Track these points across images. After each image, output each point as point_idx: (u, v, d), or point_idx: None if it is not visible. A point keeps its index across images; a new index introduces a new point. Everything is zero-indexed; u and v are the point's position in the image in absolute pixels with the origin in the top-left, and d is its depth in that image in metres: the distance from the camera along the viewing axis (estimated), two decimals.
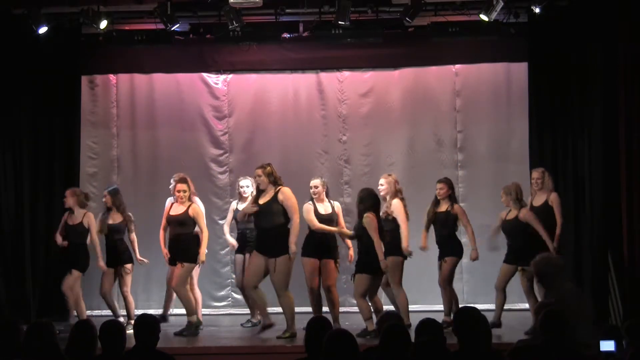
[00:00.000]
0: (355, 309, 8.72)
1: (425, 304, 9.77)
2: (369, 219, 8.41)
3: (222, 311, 10.57)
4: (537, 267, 6.78)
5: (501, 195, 8.93)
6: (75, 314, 9.07)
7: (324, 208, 8.85)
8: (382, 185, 9.00)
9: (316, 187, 8.84)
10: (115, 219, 9.22)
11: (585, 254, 9.40)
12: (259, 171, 8.49)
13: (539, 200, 8.95)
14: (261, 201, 8.48)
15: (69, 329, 5.27)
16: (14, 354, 5.01)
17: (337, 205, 9.01)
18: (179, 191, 8.80)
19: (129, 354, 4.91)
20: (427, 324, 5.15)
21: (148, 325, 5.03)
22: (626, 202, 8.40)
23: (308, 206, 8.78)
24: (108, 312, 9.69)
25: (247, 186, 9.31)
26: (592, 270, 8.93)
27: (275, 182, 8.47)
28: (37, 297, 9.78)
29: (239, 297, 10.32)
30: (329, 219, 8.82)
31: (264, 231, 8.45)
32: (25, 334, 5.21)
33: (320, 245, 8.73)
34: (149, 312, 5.92)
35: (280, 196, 8.41)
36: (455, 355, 4.59)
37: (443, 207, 9.02)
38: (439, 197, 9.06)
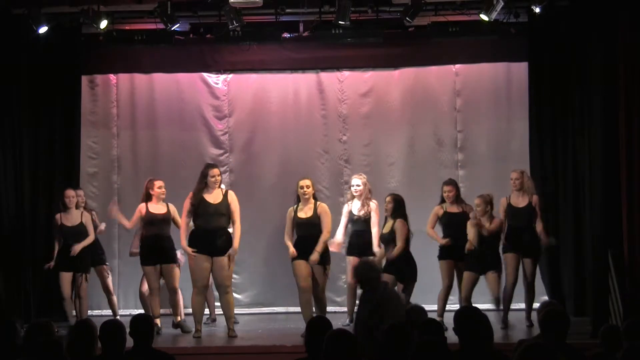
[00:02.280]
0: None
1: (425, 303, 9.73)
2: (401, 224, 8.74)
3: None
4: (359, 272, 6.84)
5: (478, 203, 8.92)
6: (74, 314, 9.18)
7: (305, 212, 8.78)
8: (359, 186, 9.12)
9: (307, 187, 8.78)
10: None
11: (585, 254, 9.40)
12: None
13: (521, 202, 9.07)
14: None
15: (69, 328, 5.27)
16: (13, 354, 5.02)
17: (322, 207, 8.86)
18: (160, 187, 9.18)
19: (128, 353, 4.91)
20: (428, 324, 5.15)
21: (141, 325, 5.03)
22: (626, 202, 8.38)
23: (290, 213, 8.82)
24: (108, 311, 9.69)
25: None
26: (592, 270, 8.92)
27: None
28: (37, 297, 9.77)
29: (239, 296, 10.33)
30: (309, 223, 8.72)
31: None
32: (25, 334, 5.22)
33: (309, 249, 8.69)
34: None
35: None
36: (456, 355, 4.59)
37: (454, 208, 9.12)
38: (447, 200, 9.12)
